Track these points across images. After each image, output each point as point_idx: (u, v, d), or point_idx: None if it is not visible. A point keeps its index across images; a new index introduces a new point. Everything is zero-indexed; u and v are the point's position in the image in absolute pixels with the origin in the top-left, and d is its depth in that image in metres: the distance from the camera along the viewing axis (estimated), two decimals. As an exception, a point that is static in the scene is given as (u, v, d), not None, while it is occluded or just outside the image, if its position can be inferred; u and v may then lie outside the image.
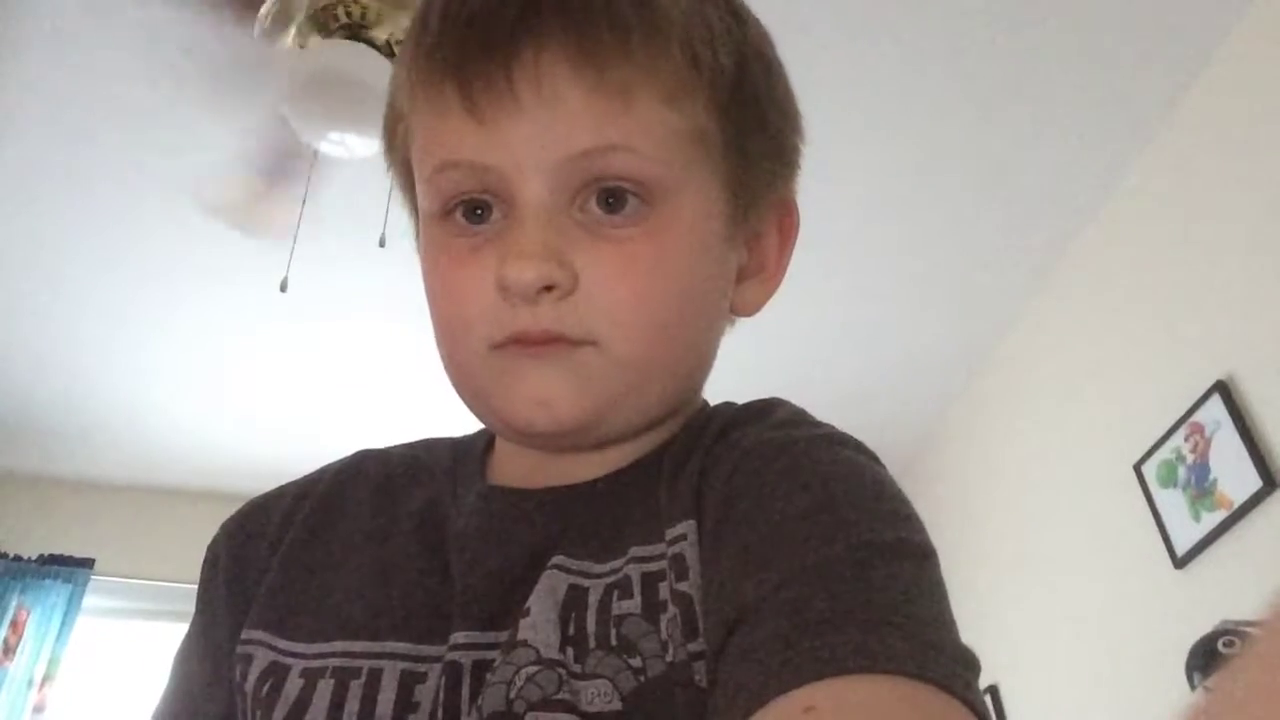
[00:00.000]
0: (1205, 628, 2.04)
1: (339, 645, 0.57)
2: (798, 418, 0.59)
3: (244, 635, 0.60)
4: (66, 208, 2.79)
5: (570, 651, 0.51)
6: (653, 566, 0.53)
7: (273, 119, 2.23)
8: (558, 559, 0.55)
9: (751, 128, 0.59)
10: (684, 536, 0.53)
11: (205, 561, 0.67)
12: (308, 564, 0.63)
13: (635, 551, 0.54)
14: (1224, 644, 1.96)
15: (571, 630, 0.52)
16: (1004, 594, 3.02)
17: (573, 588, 0.53)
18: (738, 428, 0.58)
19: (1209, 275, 2.39)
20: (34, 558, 3.90)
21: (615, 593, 0.52)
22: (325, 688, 0.55)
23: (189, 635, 0.65)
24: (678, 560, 0.52)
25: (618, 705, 0.49)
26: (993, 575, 3.08)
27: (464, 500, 0.62)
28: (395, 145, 0.63)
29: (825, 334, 3.15)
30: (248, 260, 2.88)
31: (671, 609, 0.50)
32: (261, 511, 0.68)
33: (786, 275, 0.67)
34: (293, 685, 0.56)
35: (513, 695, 0.49)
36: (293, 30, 2.13)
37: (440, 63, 0.55)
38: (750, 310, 0.64)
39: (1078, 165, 2.67)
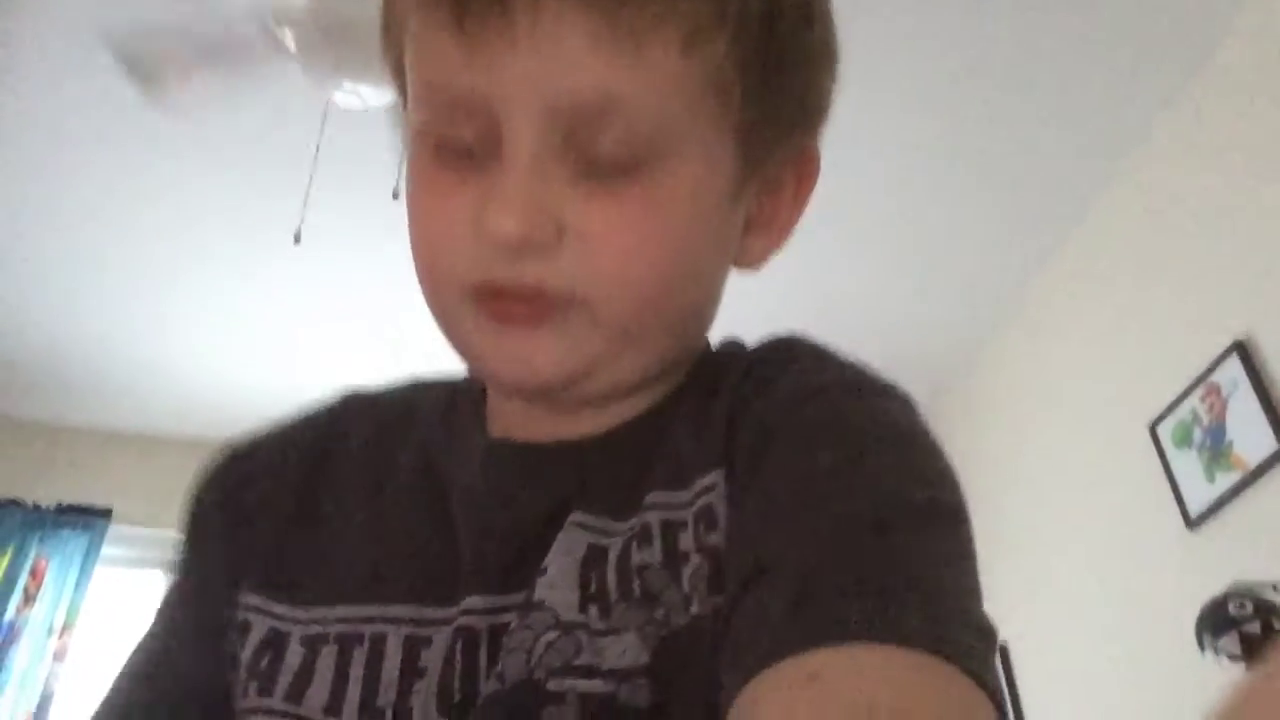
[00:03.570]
0: (1217, 589, 2.04)
1: (340, 610, 0.54)
2: (827, 360, 0.56)
3: (241, 600, 0.57)
4: (84, 161, 2.79)
5: (593, 609, 0.48)
6: (674, 515, 0.50)
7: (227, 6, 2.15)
8: (576, 516, 0.52)
9: (777, 78, 0.53)
10: (713, 487, 0.50)
11: (191, 514, 0.63)
12: (302, 521, 0.59)
13: (654, 498, 0.51)
14: (1235, 606, 1.95)
15: (593, 588, 0.49)
16: (1016, 553, 3.02)
17: (592, 546, 0.51)
18: (764, 372, 0.55)
19: (1228, 236, 2.36)
20: (52, 507, 3.94)
21: (634, 543, 0.50)
22: (328, 655, 0.53)
23: (175, 591, 0.62)
24: (706, 511, 0.50)
25: (645, 659, 0.47)
26: (1005, 534, 3.08)
27: (464, 453, 0.59)
28: (390, 44, 0.57)
29: (837, 292, 3.13)
30: (264, 209, 2.88)
31: (695, 560, 0.48)
32: (247, 459, 0.64)
33: (801, 233, 0.61)
34: (294, 654, 0.53)
35: (533, 662, 0.47)
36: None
37: None
38: (755, 264, 0.60)
39: (1096, 128, 2.64)
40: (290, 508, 0.60)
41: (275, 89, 2.23)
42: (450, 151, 0.51)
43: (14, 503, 3.95)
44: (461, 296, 0.52)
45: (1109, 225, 2.84)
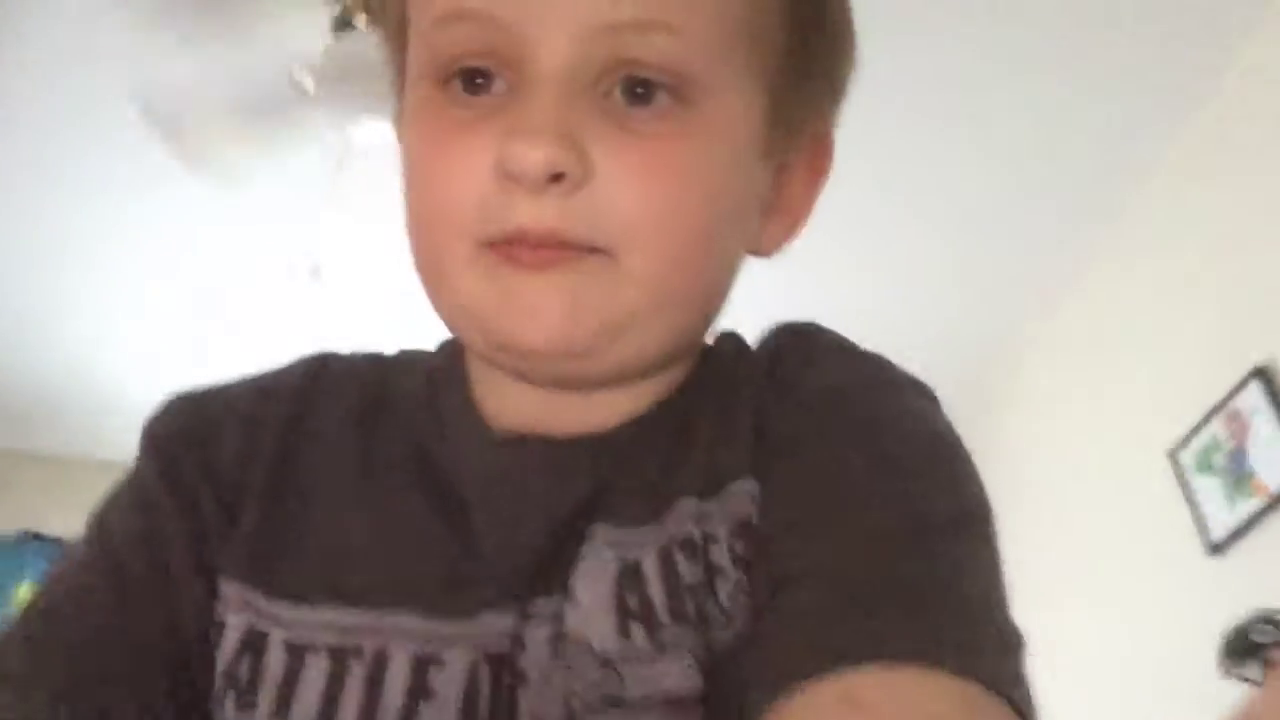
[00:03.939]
0: (1239, 615, 2.02)
1: (329, 614, 0.48)
2: (849, 356, 0.55)
3: (221, 589, 0.50)
4: (77, 191, 2.81)
5: (636, 630, 0.46)
6: (707, 526, 0.48)
7: (255, 58, 2.19)
8: (600, 530, 0.48)
9: (811, 38, 0.52)
10: (746, 496, 0.48)
11: (157, 458, 0.54)
12: (286, 497, 0.52)
13: (685, 507, 0.48)
14: (1258, 632, 1.93)
15: (634, 605, 0.46)
16: (1034, 580, 2.98)
17: (623, 562, 0.47)
18: (786, 372, 0.53)
19: (1249, 260, 2.34)
20: (73, 540, 3.95)
21: (678, 555, 0.47)
22: (317, 667, 0.47)
23: (131, 541, 0.51)
24: (740, 522, 0.47)
25: (699, 683, 0.44)
26: (1023, 561, 3.04)
27: (466, 447, 0.53)
28: (390, 6, 0.53)
29: (847, 316, 3.11)
30: (273, 242, 2.89)
31: (732, 574, 0.46)
32: (218, 413, 0.56)
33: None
34: (276, 661, 0.47)
35: (576, 705, 0.44)
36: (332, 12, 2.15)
37: None
38: (770, 250, 0.57)
39: (1110, 153, 2.62)
40: (267, 477, 0.53)
41: (291, 124, 2.25)
42: (466, 90, 0.47)
43: (35, 536, 3.96)
44: (469, 252, 0.47)
45: (1125, 251, 2.83)
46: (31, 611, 0.50)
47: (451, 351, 0.58)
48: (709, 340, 0.58)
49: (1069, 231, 2.88)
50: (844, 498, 0.45)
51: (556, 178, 0.44)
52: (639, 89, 0.46)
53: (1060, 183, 2.72)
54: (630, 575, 0.47)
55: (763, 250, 0.57)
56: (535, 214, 0.45)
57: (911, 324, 3.21)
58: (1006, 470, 3.27)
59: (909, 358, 0.55)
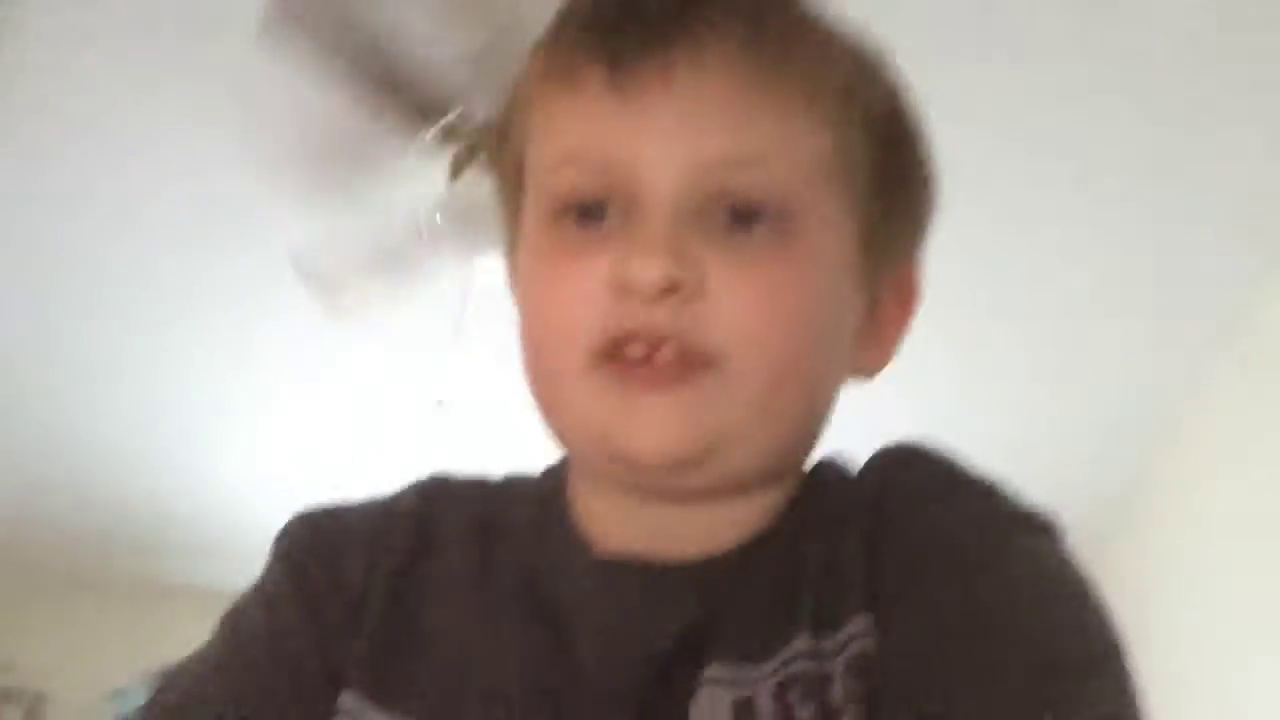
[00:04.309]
0: None
1: None
2: (961, 487, 0.54)
3: (341, 700, 0.52)
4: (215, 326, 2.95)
5: None
6: (823, 665, 0.48)
7: (389, 218, 2.33)
8: (712, 670, 0.48)
9: (896, 175, 0.56)
10: (861, 634, 0.48)
11: (285, 574, 0.57)
12: (406, 612, 0.55)
13: (800, 645, 0.48)
14: None
15: None
16: (1217, 688, 2.76)
17: (737, 700, 0.47)
18: (895, 505, 0.53)
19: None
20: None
21: (794, 693, 0.47)
22: None
23: (252, 654, 0.54)
24: (857, 660, 0.47)
25: None
26: (1215, 655, 2.80)
27: (566, 566, 0.55)
28: (507, 152, 0.58)
29: (994, 380, 2.97)
30: (401, 375, 2.97)
31: (851, 714, 0.46)
32: (344, 528, 0.59)
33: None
34: None
35: None
36: (449, 158, 2.25)
37: (589, 38, 0.51)
38: (866, 374, 0.59)
39: (1250, 211, 2.40)
40: (389, 591, 0.55)
41: (417, 271, 2.35)
42: (580, 220, 0.51)
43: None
44: (585, 363, 0.50)
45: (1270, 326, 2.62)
46: (155, 708, 0.53)
47: (559, 474, 0.59)
48: (810, 467, 0.59)
49: (1204, 307, 2.68)
50: (964, 647, 0.45)
51: (671, 290, 0.48)
52: (741, 216, 0.50)
53: (1189, 255, 2.52)
54: (744, 714, 0.47)
55: (860, 372, 0.58)
56: (649, 319, 0.48)
57: (1032, 432, 3.09)
58: (1180, 554, 3.03)
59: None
